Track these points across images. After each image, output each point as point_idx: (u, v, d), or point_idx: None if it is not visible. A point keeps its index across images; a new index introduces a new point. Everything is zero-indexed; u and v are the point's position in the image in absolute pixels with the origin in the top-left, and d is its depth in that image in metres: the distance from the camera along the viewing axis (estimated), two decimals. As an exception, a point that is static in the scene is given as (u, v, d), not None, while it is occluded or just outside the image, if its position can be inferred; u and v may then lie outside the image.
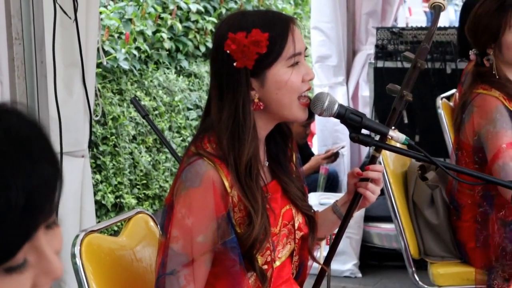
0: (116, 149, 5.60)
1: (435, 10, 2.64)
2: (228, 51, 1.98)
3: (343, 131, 5.66)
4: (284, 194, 2.16)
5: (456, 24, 4.99)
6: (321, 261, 2.43)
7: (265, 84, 2.02)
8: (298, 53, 2.04)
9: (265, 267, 2.05)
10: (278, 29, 2.01)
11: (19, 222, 0.90)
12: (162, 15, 6.75)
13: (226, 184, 1.97)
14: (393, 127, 2.24)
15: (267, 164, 2.16)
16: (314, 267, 2.37)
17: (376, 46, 5.32)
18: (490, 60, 3.19)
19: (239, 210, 1.99)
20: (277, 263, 2.12)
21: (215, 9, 7.39)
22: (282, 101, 2.04)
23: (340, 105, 2.16)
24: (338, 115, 2.16)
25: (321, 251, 3.03)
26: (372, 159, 2.33)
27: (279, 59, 2.01)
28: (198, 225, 1.96)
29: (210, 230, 1.97)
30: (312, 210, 2.25)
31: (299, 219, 2.17)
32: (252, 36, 1.97)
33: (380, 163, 3.28)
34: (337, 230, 2.41)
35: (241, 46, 1.96)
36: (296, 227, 2.16)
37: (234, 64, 1.98)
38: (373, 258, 5.01)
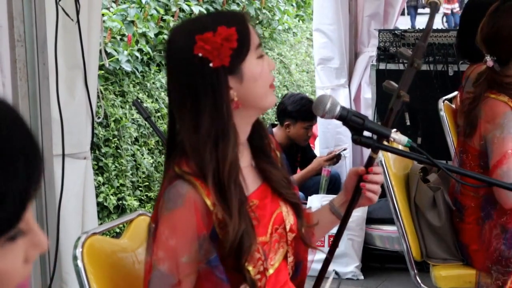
0: (118, 151, 5.60)
1: (431, 7, 2.62)
2: (200, 54, 1.94)
3: (345, 133, 5.66)
4: (272, 187, 2.14)
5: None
6: (319, 264, 2.41)
7: (243, 78, 2.00)
8: (261, 43, 2.06)
9: (258, 277, 2.03)
10: (239, 23, 2.00)
11: (23, 192, 0.99)
12: (165, 17, 6.75)
13: (208, 202, 1.95)
14: (395, 129, 2.23)
15: (253, 165, 2.15)
16: (314, 269, 2.35)
17: (378, 48, 5.32)
18: None
19: (224, 225, 1.96)
20: (271, 271, 2.09)
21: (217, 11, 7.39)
22: (259, 92, 2.03)
23: (342, 107, 2.16)
24: (340, 117, 2.16)
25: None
26: (369, 160, 2.32)
27: (250, 51, 2.01)
28: (181, 246, 1.94)
29: (193, 250, 1.95)
30: (297, 197, 2.22)
31: (290, 221, 2.15)
32: (220, 33, 1.94)
33: (382, 164, 3.28)
34: (337, 230, 2.40)
35: (214, 44, 1.94)
36: (288, 229, 2.14)
37: (210, 65, 1.95)
38: (375, 260, 5.01)
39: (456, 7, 22.06)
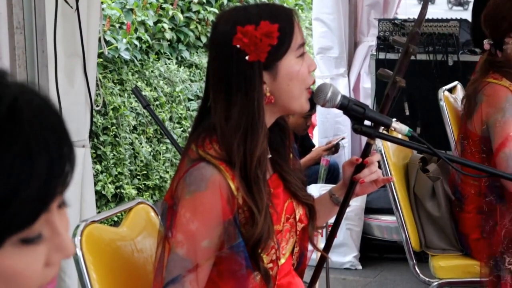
0: (117, 139, 5.59)
1: None
2: (238, 46, 1.94)
3: (344, 123, 5.66)
4: (285, 186, 2.15)
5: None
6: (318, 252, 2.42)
7: (278, 76, 1.99)
8: (303, 43, 2.04)
9: (270, 265, 2.04)
10: (284, 20, 1.99)
11: (40, 190, 0.93)
12: (164, 5, 6.73)
13: (233, 187, 1.94)
14: (394, 119, 2.23)
15: (269, 156, 2.14)
16: (313, 259, 2.36)
17: (378, 37, 5.31)
18: (508, 49, 3.17)
19: (243, 211, 1.97)
20: (282, 260, 2.10)
21: (216, -1, 7.37)
22: (293, 92, 2.03)
23: (343, 96, 2.15)
24: (341, 106, 2.15)
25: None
26: (367, 147, 2.31)
27: (290, 50, 2.00)
28: (202, 230, 1.94)
29: (215, 235, 1.95)
30: (312, 198, 2.24)
31: (299, 211, 2.16)
32: (262, 28, 1.94)
33: (381, 153, 3.27)
34: (334, 219, 2.40)
35: (253, 38, 1.93)
36: (297, 219, 2.15)
37: (246, 58, 1.94)
38: (374, 250, 5.01)
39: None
